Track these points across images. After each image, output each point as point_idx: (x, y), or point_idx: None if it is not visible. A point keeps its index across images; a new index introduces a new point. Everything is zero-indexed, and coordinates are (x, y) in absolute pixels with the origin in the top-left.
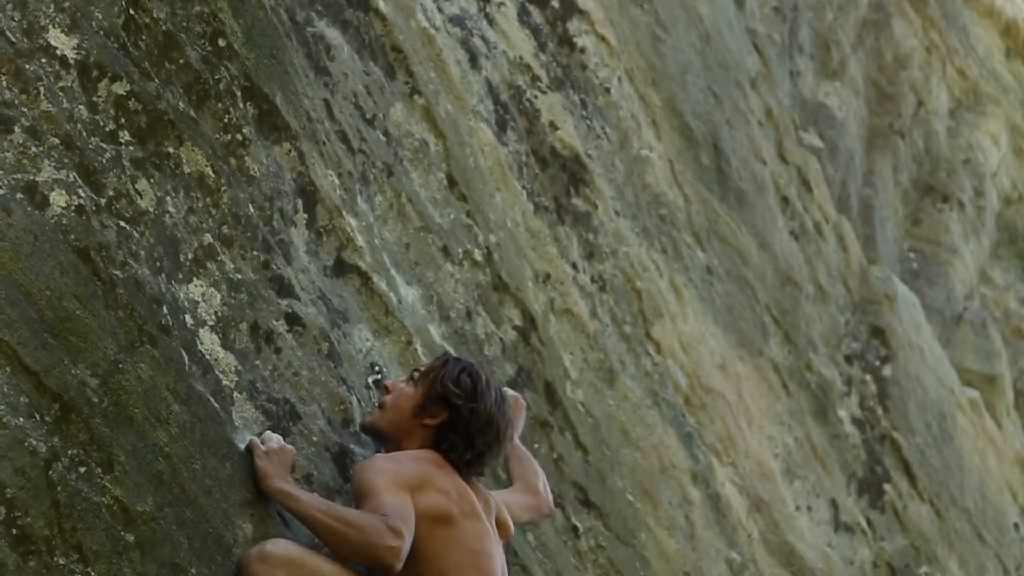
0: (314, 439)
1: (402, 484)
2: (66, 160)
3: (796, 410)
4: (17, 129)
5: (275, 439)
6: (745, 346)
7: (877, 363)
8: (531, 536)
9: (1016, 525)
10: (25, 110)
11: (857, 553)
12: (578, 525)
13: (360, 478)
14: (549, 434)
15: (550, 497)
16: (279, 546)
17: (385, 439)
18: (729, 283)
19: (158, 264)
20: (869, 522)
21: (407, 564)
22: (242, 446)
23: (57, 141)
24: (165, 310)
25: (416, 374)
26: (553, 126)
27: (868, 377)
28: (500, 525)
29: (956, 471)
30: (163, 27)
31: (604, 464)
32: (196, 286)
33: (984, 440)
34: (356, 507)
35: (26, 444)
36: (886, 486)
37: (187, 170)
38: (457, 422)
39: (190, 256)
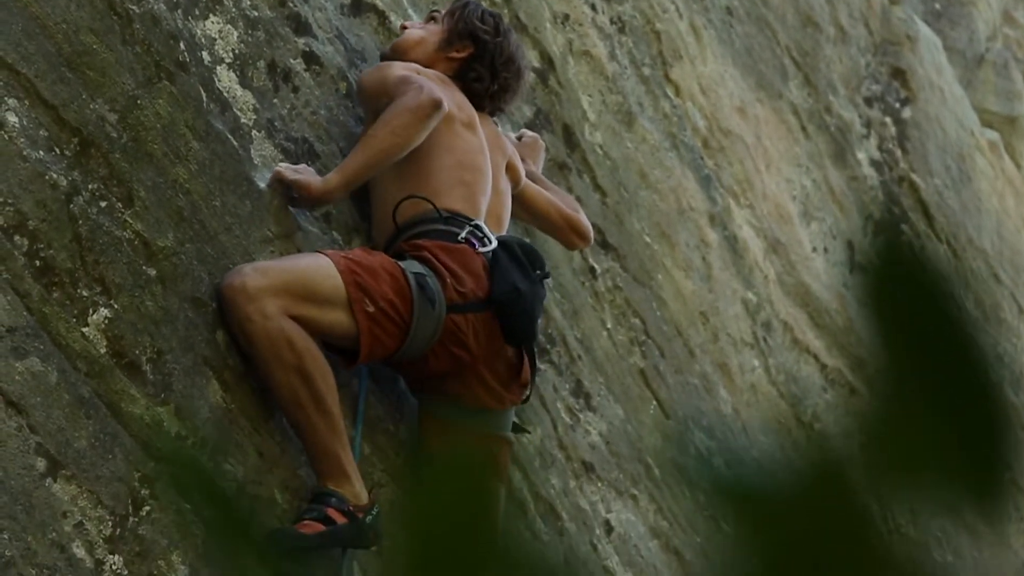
0: None
1: (411, 68)
2: None
3: (814, 152)
4: None
5: (291, 166)
6: (764, 88)
7: (897, 105)
8: (549, 278)
9: None
10: None
11: None
12: (595, 266)
13: (371, 79)
14: (567, 176)
15: (591, 229)
16: (256, 276)
17: None
18: (749, 24)
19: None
20: None
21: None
22: (262, 184)
23: None
24: (182, 46)
25: (436, 14)
26: None
27: (887, 119)
28: (511, 168)
29: (974, 212)
30: None
31: (622, 206)
32: (213, 23)
33: (1003, 181)
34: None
35: (47, 177)
36: (903, 227)
37: None
38: (483, 54)
39: None
